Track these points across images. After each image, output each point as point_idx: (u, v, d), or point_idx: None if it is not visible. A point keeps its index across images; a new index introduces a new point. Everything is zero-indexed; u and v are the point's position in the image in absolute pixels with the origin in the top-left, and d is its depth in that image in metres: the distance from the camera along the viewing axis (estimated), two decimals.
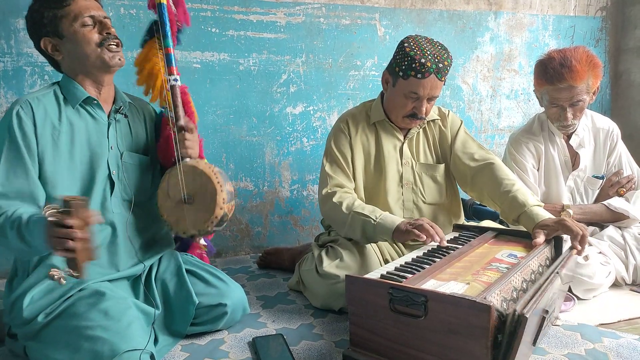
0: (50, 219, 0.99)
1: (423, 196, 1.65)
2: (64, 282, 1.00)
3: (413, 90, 1.49)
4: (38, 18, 1.25)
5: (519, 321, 0.89)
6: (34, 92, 1.26)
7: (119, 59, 1.28)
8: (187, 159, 1.33)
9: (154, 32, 1.43)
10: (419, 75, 1.46)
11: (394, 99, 1.57)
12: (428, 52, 1.46)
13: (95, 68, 1.27)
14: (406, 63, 1.47)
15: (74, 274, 0.99)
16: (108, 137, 1.31)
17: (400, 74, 1.50)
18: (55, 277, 0.98)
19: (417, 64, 1.45)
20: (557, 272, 1.14)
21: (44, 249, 1.06)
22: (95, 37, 1.25)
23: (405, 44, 1.51)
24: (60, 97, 1.27)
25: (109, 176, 1.30)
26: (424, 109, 1.53)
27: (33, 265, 1.19)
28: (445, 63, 1.48)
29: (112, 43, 1.26)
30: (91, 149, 1.27)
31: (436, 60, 1.46)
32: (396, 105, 1.57)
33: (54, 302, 1.15)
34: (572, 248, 1.32)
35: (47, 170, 1.20)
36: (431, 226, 1.36)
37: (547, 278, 1.10)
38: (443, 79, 1.50)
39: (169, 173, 1.33)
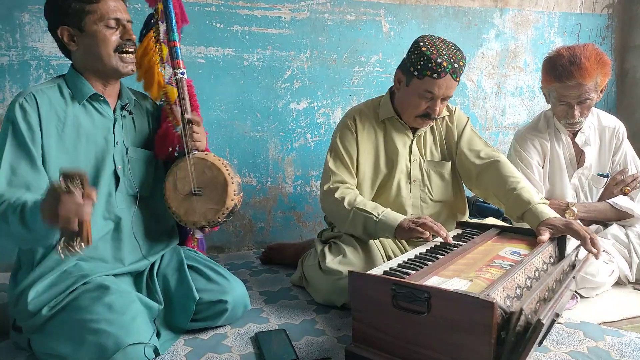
0: (62, 191, 0.95)
1: (430, 193, 1.65)
2: (77, 251, 0.97)
3: (428, 89, 1.48)
4: (65, 6, 1.24)
5: (535, 327, 0.88)
6: (38, 85, 1.26)
7: (131, 69, 1.30)
8: (195, 152, 1.34)
9: (152, 26, 1.43)
10: (435, 75, 1.45)
11: (407, 99, 1.55)
12: (444, 52, 1.45)
13: (106, 70, 1.28)
14: (422, 63, 1.46)
15: (82, 246, 0.97)
16: (114, 133, 1.31)
17: (416, 73, 1.48)
18: (61, 250, 0.96)
19: (434, 64, 1.44)
20: (574, 277, 1.13)
21: (45, 232, 1.04)
22: (114, 40, 1.26)
23: (421, 44, 1.48)
24: (66, 91, 1.27)
25: (114, 172, 1.30)
26: (438, 109, 1.52)
27: (38, 259, 1.19)
28: (461, 63, 1.47)
29: (128, 50, 1.27)
30: (97, 144, 1.28)
31: (452, 60, 1.45)
32: (409, 105, 1.55)
33: (59, 295, 1.16)
34: (579, 249, 1.31)
35: (50, 163, 1.20)
36: (434, 224, 1.36)
37: (563, 282, 1.10)
38: (458, 79, 1.49)
39: (176, 166, 1.33)
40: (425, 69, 1.46)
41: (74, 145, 1.24)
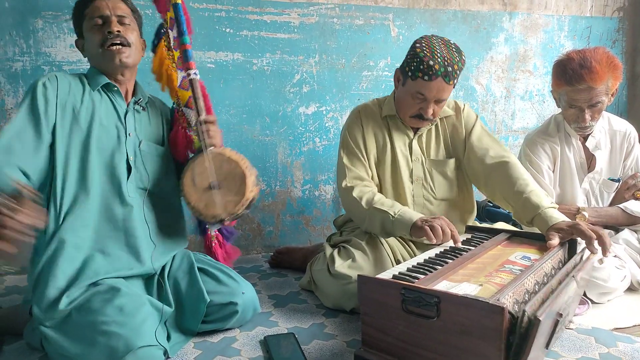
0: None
1: (433, 192, 1.64)
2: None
3: (420, 91, 1.49)
4: (74, 20, 1.37)
5: (532, 324, 0.89)
6: (61, 72, 1.34)
7: (122, 59, 1.31)
8: (212, 148, 1.37)
9: (162, 35, 1.48)
10: (426, 77, 1.46)
11: (402, 98, 1.57)
12: (438, 55, 1.45)
13: (102, 66, 1.33)
14: (415, 64, 1.47)
15: (7, 267, 0.92)
16: (126, 123, 1.34)
17: (409, 74, 1.50)
18: None
19: (425, 66, 1.45)
20: (573, 276, 1.13)
21: None
22: (98, 37, 1.30)
23: (417, 45, 1.50)
24: (84, 80, 1.34)
25: (127, 161, 1.33)
26: (431, 111, 1.52)
27: (47, 240, 1.21)
28: (455, 67, 1.46)
29: (112, 42, 1.30)
30: (109, 132, 1.31)
31: (445, 63, 1.44)
32: (404, 105, 1.57)
33: (76, 286, 1.18)
34: (585, 250, 1.30)
35: (61, 142, 1.24)
36: (447, 226, 1.35)
37: (563, 281, 1.10)
38: (452, 82, 1.48)
39: (192, 162, 1.36)
40: (417, 70, 1.47)
41: (87, 128, 1.28)
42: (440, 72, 1.44)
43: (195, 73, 1.42)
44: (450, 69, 1.45)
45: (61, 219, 1.23)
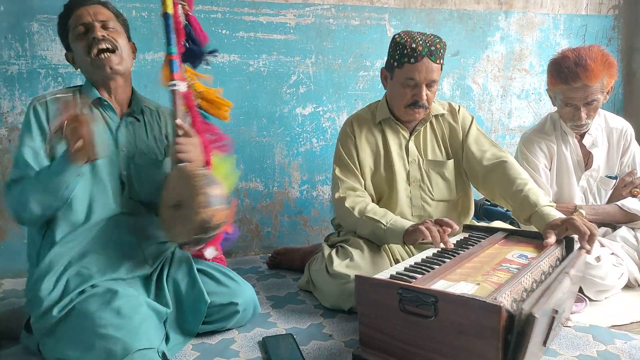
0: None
1: (431, 193, 1.65)
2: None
3: (409, 76, 1.51)
4: (59, 33, 1.35)
5: (528, 321, 0.89)
6: (58, 91, 1.34)
7: (112, 67, 1.28)
8: (181, 164, 1.27)
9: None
10: (412, 60, 1.49)
11: (393, 92, 1.59)
12: (419, 39, 1.50)
13: (97, 76, 1.31)
14: (398, 52, 1.51)
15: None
16: (117, 139, 1.33)
17: (395, 64, 1.53)
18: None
19: (409, 50, 1.48)
20: (567, 272, 1.13)
21: (57, 181, 1.16)
22: (83, 44, 1.27)
23: (396, 36, 1.55)
24: (78, 97, 1.32)
25: (119, 176, 1.32)
26: (424, 95, 1.54)
27: (37, 254, 1.23)
28: (438, 46, 1.50)
29: (99, 49, 1.25)
30: (103, 148, 1.28)
31: (427, 44, 1.48)
32: (396, 97, 1.58)
33: (69, 294, 1.17)
34: (581, 248, 1.31)
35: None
36: (440, 226, 1.36)
37: (556, 277, 1.10)
38: (438, 61, 1.51)
39: (167, 178, 1.31)
40: (402, 56, 1.50)
41: None
42: (425, 52, 1.48)
43: (175, 84, 1.33)
44: (433, 48, 1.49)
45: (54, 234, 1.23)
